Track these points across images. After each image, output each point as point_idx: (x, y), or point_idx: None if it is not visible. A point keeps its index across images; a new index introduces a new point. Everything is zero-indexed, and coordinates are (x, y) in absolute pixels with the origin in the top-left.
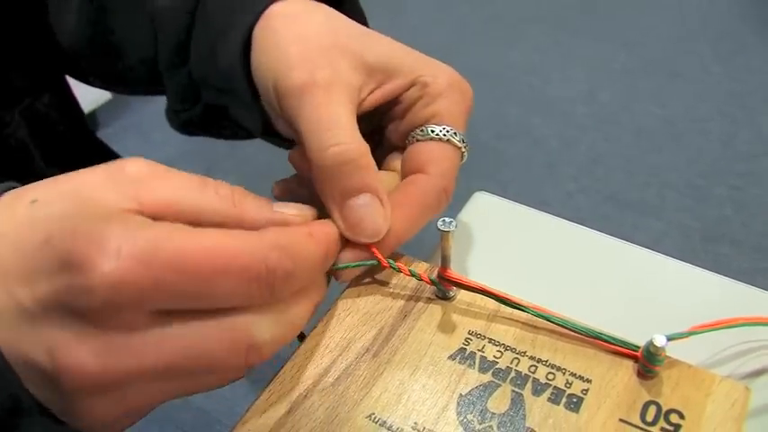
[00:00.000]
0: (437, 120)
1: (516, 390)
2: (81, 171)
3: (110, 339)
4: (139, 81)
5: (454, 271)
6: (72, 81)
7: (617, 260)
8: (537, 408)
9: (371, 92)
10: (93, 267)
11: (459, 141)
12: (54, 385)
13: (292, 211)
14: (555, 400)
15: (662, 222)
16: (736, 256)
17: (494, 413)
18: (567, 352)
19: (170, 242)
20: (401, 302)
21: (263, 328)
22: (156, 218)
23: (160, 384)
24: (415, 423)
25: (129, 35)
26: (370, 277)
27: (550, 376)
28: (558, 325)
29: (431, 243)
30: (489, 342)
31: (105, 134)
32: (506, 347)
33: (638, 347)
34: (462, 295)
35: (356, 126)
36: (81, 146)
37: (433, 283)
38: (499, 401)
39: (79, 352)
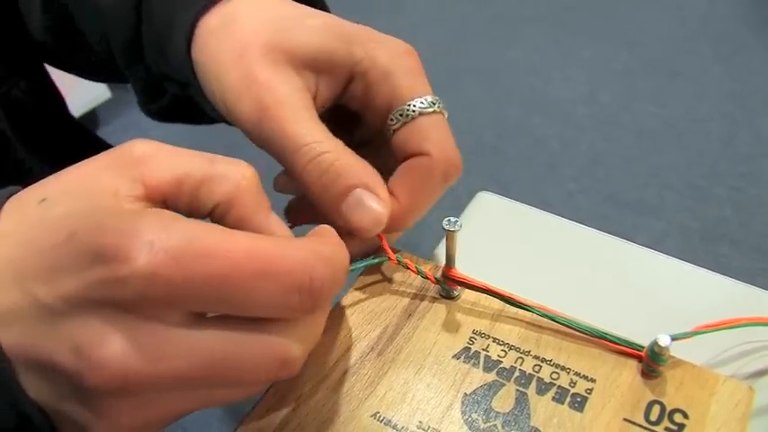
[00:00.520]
0: (399, 99)
1: (521, 389)
2: (85, 161)
3: (140, 337)
4: (110, 72)
5: (459, 270)
6: (63, 75)
7: (620, 260)
8: (541, 407)
9: (317, 85)
10: (127, 259)
11: (432, 106)
12: (76, 387)
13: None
14: (559, 399)
15: (662, 222)
16: (735, 257)
17: (498, 412)
18: (571, 351)
19: (204, 240)
20: (405, 302)
21: (298, 341)
22: (165, 198)
23: (185, 394)
24: (420, 422)
25: (86, 29)
26: (375, 276)
27: (555, 376)
28: (563, 325)
29: (430, 244)
30: (494, 341)
31: (105, 132)
32: (511, 347)
33: (643, 347)
34: (467, 295)
35: (322, 127)
36: (61, 132)
37: (438, 282)
38: (504, 401)
39: (107, 349)
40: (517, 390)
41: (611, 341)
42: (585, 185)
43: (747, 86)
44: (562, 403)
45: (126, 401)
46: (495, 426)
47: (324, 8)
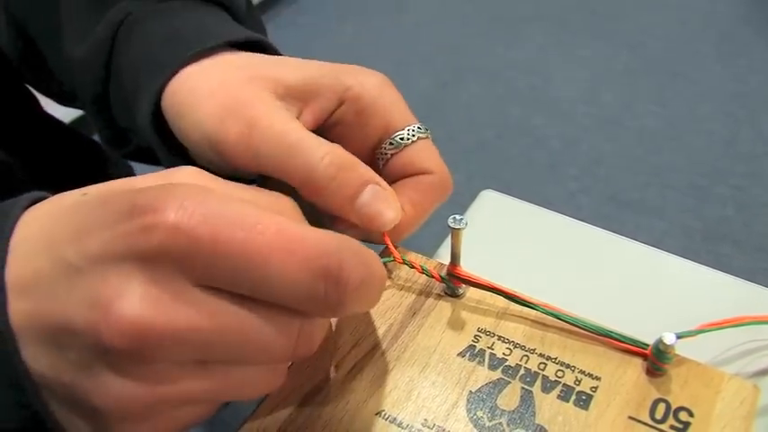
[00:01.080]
0: (394, 126)
1: (526, 387)
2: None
3: (157, 292)
4: (82, 104)
5: (463, 268)
6: None
7: (625, 258)
8: (547, 405)
9: (301, 112)
10: (155, 211)
11: (425, 132)
12: (88, 348)
13: None
14: (564, 397)
15: (664, 222)
16: (737, 256)
17: (504, 410)
18: (576, 349)
19: (237, 210)
20: (410, 300)
21: (316, 321)
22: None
23: (199, 372)
24: (425, 420)
25: (55, 69)
26: None
27: (560, 374)
28: (568, 323)
29: (431, 244)
30: (499, 339)
31: None
32: (516, 345)
33: (648, 345)
34: (471, 293)
35: (316, 135)
36: (31, 125)
37: (443, 280)
38: (509, 398)
39: (125, 300)
40: (522, 387)
41: (616, 339)
42: (587, 185)
43: (749, 86)
44: (567, 401)
45: (134, 368)
46: (500, 423)
47: None
